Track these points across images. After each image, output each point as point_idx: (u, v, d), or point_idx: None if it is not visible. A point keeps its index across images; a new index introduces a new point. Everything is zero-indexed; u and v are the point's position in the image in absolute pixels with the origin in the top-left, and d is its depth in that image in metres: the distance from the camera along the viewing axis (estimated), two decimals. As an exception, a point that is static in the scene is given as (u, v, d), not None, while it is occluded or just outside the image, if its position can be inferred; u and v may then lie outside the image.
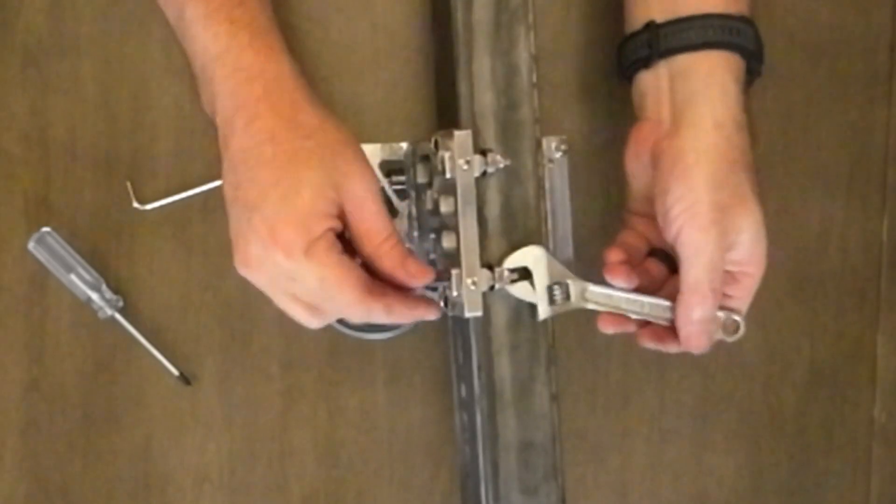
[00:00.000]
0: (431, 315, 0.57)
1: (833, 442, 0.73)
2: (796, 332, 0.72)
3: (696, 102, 0.57)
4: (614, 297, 0.59)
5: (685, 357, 0.71)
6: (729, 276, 0.59)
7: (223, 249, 0.67)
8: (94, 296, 0.65)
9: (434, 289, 0.59)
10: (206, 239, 0.67)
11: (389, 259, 0.55)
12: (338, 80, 0.67)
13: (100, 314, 0.65)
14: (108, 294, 0.65)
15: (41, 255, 0.65)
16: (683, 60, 0.58)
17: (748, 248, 0.57)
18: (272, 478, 0.69)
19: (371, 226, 0.54)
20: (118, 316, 0.66)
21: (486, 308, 0.58)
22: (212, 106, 0.56)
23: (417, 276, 0.55)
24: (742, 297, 0.60)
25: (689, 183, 0.56)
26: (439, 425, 0.70)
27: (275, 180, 0.52)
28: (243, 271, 0.54)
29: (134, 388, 0.68)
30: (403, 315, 0.56)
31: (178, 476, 0.68)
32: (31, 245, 0.65)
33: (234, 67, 0.54)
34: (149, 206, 0.66)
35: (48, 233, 0.65)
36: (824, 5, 0.71)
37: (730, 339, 0.60)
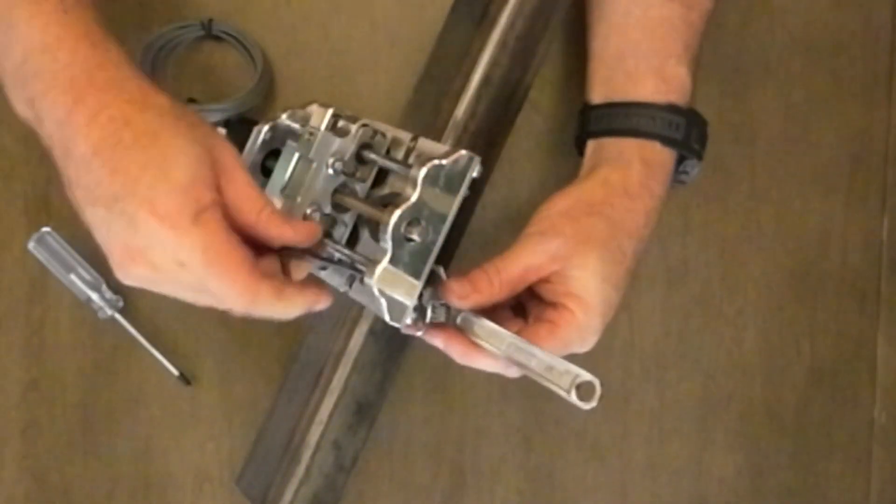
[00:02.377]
0: (323, 302, 0.53)
1: (833, 442, 0.73)
2: (796, 332, 0.72)
3: (598, 169, 0.60)
4: (502, 336, 0.54)
5: (685, 357, 0.71)
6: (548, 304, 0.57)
7: (223, 249, 0.67)
8: (94, 296, 0.65)
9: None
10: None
11: (274, 224, 0.51)
12: (338, 79, 0.67)
13: (100, 314, 0.65)
14: (108, 294, 0.66)
15: (41, 255, 0.65)
16: (606, 142, 0.61)
17: (573, 286, 0.56)
18: (272, 478, 0.69)
19: (248, 194, 0.51)
20: (118, 316, 0.66)
21: None
22: (32, 108, 0.50)
23: (306, 233, 0.53)
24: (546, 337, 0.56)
25: (548, 203, 0.58)
26: (439, 425, 0.70)
27: (143, 162, 0.48)
28: (125, 272, 0.50)
29: (134, 388, 0.68)
30: (294, 300, 0.52)
31: (178, 476, 0.68)
32: (31, 245, 0.65)
33: (68, 60, 0.50)
34: None
35: (48, 233, 0.65)
36: (824, 5, 0.71)
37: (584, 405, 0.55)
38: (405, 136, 0.57)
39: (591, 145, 0.62)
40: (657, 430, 0.72)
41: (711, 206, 0.71)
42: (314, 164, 0.56)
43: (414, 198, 0.52)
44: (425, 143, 0.56)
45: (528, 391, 0.70)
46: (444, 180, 0.53)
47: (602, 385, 0.52)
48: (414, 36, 0.67)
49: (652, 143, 0.60)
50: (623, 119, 0.60)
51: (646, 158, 0.60)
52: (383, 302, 0.53)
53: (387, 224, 0.51)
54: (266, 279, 0.50)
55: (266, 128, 0.58)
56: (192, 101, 0.65)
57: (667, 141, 0.60)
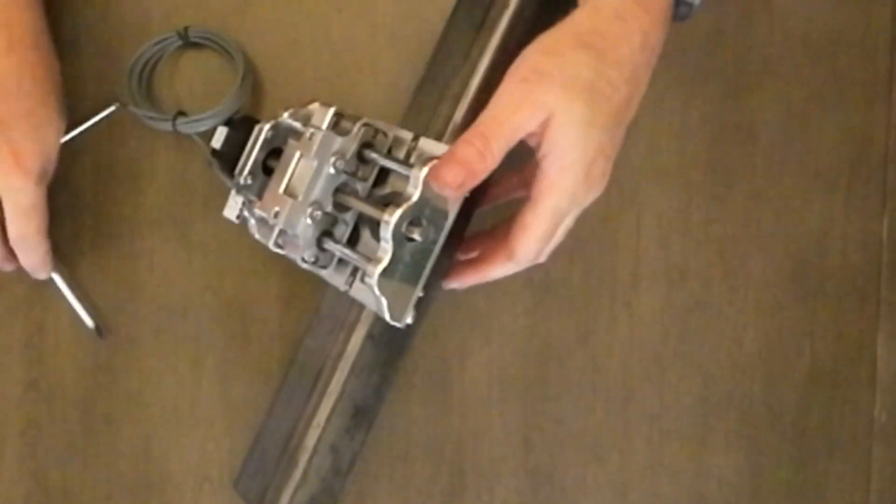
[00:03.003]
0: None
1: (833, 442, 0.73)
2: (796, 332, 0.72)
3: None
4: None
5: (685, 357, 0.71)
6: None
7: (223, 249, 0.67)
8: None
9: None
10: (206, 239, 0.67)
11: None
12: (338, 80, 0.67)
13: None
14: None
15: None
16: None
17: (552, 143, 0.52)
18: (272, 478, 0.69)
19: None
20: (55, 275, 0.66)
21: None
22: None
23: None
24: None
25: (534, 43, 0.54)
26: (439, 425, 0.70)
27: (28, 110, 0.57)
28: None
29: (134, 388, 0.68)
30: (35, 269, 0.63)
31: (178, 476, 0.68)
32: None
33: None
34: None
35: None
36: (824, 5, 0.71)
37: None
38: (406, 136, 0.57)
39: None
40: (657, 430, 0.72)
41: (711, 206, 0.71)
42: (315, 163, 0.56)
43: (415, 197, 0.52)
44: (427, 143, 0.56)
45: (528, 391, 0.70)
46: None
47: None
48: (414, 37, 0.67)
49: None
50: None
51: None
52: (384, 301, 0.53)
53: (388, 223, 0.51)
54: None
55: (267, 127, 0.58)
56: (181, 114, 0.64)
57: None
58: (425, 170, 0.52)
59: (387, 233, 0.51)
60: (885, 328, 0.73)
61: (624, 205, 0.70)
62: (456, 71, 0.60)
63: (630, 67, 0.54)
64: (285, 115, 0.58)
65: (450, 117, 0.59)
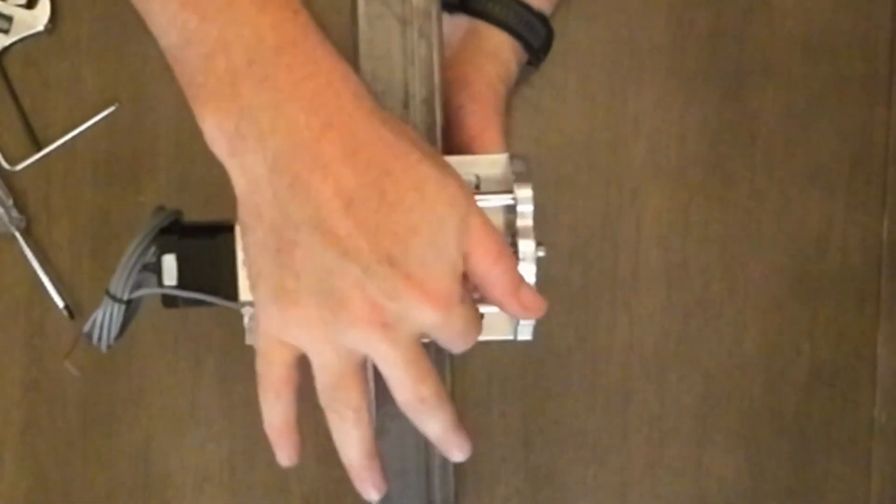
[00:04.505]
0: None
1: (833, 442, 0.73)
2: (796, 332, 0.72)
3: (477, 61, 0.60)
4: None
5: (685, 357, 0.71)
6: None
7: (223, 249, 0.67)
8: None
9: None
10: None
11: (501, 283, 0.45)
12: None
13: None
14: (14, 213, 0.66)
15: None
16: (480, 25, 0.61)
17: None
18: (272, 478, 0.69)
19: (499, 252, 0.45)
20: (18, 235, 0.66)
21: None
22: (251, 122, 0.41)
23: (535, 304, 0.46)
24: None
25: None
26: (439, 425, 0.70)
27: (411, 225, 0.41)
28: (355, 332, 0.42)
29: (134, 388, 0.68)
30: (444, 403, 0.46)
31: (178, 476, 0.68)
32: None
33: (311, 70, 0.41)
34: (18, 167, 0.66)
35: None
36: (824, 5, 0.71)
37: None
38: None
39: (454, 18, 0.62)
40: (657, 430, 0.72)
41: (711, 206, 0.71)
42: None
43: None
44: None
45: (528, 391, 0.70)
46: None
47: None
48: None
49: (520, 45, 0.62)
50: (514, 16, 0.61)
51: (518, 58, 0.62)
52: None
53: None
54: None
55: None
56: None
57: (532, 50, 0.63)
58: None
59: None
60: (885, 328, 0.73)
61: (624, 205, 0.70)
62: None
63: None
64: None
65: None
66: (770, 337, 0.72)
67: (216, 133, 0.41)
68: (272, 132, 0.40)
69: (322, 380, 0.45)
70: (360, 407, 0.45)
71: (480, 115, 0.57)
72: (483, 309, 0.47)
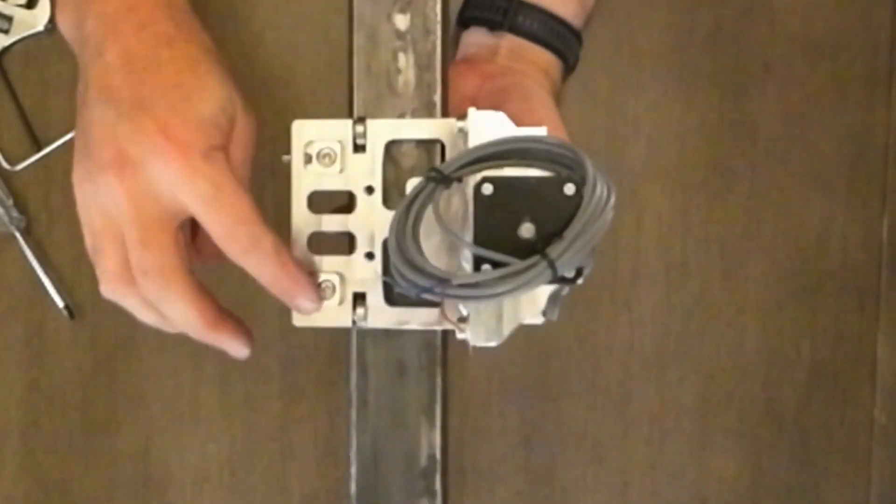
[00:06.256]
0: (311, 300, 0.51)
1: (833, 442, 0.73)
2: (796, 332, 0.72)
3: (535, 76, 0.62)
4: None
5: (685, 357, 0.71)
6: None
7: (223, 249, 0.67)
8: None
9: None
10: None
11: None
12: (337, 80, 0.67)
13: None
14: (14, 213, 0.66)
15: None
16: (525, 43, 0.63)
17: None
18: (272, 478, 0.69)
19: (245, 173, 0.51)
20: (18, 235, 0.66)
21: None
22: (80, 10, 0.51)
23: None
24: None
25: None
26: (439, 425, 0.70)
27: (175, 82, 0.48)
28: (102, 176, 0.47)
29: (134, 388, 0.68)
30: (288, 271, 0.50)
31: (178, 476, 0.68)
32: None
33: None
34: (18, 167, 0.66)
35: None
36: (824, 5, 0.71)
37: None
38: None
39: (498, 35, 0.63)
40: (657, 430, 0.72)
41: (711, 206, 0.71)
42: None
43: None
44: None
45: (528, 391, 0.70)
46: None
47: None
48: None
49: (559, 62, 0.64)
50: (554, 35, 0.63)
51: (554, 79, 0.65)
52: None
53: None
54: (269, 230, 0.49)
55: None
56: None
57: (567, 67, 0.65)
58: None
59: None
60: (885, 328, 0.73)
61: (624, 205, 0.70)
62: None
63: None
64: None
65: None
66: (770, 337, 0.72)
67: (64, 17, 0.53)
68: (93, 8, 0.50)
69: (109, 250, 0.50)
70: (164, 267, 0.49)
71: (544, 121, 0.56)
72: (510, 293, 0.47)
